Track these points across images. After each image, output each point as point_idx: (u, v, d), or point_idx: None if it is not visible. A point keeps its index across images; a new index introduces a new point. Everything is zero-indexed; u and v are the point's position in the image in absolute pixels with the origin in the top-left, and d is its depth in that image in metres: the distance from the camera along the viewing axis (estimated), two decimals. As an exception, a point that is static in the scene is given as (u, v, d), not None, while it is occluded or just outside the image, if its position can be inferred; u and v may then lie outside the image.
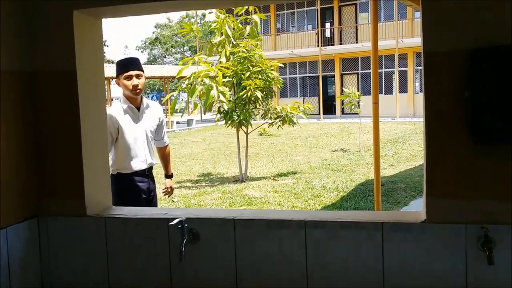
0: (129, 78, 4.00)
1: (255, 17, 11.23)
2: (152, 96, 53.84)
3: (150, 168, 4.23)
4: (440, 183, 2.05)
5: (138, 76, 4.02)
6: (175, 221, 2.28)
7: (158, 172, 12.68)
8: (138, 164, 4.09)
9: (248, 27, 11.18)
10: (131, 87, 3.99)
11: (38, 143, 2.51)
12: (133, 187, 4.08)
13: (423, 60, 2.06)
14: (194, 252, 2.35)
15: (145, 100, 4.20)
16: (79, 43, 2.45)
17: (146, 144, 4.16)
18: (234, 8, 10.73)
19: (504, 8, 1.93)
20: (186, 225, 2.30)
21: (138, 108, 4.12)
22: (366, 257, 2.16)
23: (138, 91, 4.02)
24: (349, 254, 2.18)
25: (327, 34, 30.81)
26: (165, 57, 58.22)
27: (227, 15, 11.05)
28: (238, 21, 11.34)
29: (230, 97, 10.89)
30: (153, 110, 4.28)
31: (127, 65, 4.02)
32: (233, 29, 11.29)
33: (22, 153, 2.44)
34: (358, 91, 15.90)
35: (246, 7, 10.94)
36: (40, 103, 2.49)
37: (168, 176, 4.66)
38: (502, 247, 1.99)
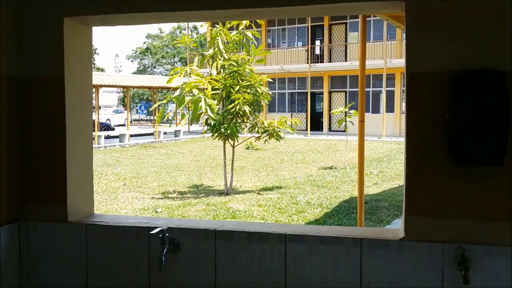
0: None
1: (248, 34, 11.31)
2: (140, 106, 53.70)
3: None
4: (419, 202, 2.09)
5: None
6: (156, 230, 2.29)
7: (143, 182, 12.41)
8: None
9: (242, 41, 11.27)
10: None
11: (23, 147, 2.51)
12: None
13: (406, 80, 2.10)
14: (174, 262, 2.35)
15: None
16: (69, 50, 2.46)
17: None
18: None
19: (487, 33, 1.99)
20: (167, 234, 2.31)
21: None
22: (344, 272, 2.18)
23: None
24: (328, 269, 2.20)
25: (317, 51, 31.06)
26: (155, 67, 58.19)
27: (221, 28, 11.10)
28: (234, 33, 11.37)
29: (218, 110, 10.90)
30: None
31: None
32: (227, 42, 11.35)
33: (6, 157, 2.43)
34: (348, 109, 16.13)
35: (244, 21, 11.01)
36: (27, 108, 2.49)
37: None
38: (478, 267, 2.02)
